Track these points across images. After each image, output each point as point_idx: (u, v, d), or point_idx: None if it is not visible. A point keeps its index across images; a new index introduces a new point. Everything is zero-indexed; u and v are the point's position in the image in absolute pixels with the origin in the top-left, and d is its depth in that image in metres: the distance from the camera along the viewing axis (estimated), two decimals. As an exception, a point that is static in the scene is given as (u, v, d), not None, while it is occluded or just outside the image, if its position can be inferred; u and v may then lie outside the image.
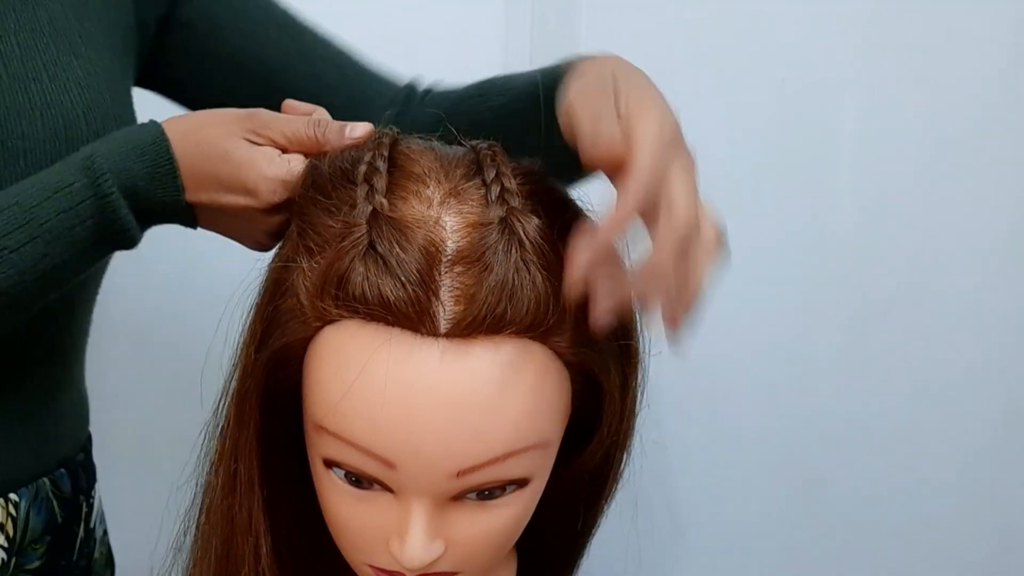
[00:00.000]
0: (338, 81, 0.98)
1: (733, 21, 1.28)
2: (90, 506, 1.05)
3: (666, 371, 0.82)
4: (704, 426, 0.90)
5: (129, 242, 0.82)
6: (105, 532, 1.10)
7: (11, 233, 0.79)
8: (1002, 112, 1.28)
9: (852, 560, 1.41)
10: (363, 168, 0.74)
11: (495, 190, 0.73)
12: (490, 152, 0.76)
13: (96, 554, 1.07)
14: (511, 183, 0.73)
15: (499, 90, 0.90)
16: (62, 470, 1.00)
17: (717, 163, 1.34)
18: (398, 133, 0.80)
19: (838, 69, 1.29)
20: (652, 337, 0.81)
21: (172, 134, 0.80)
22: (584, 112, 0.73)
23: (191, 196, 0.80)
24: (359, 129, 0.80)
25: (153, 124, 0.82)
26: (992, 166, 1.31)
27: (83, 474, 1.03)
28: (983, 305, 1.35)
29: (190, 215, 0.82)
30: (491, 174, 0.74)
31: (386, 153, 0.75)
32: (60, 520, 0.99)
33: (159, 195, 0.80)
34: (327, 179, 0.76)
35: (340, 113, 0.84)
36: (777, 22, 1.28)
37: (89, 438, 1.07)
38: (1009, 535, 1.39)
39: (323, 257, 0.72)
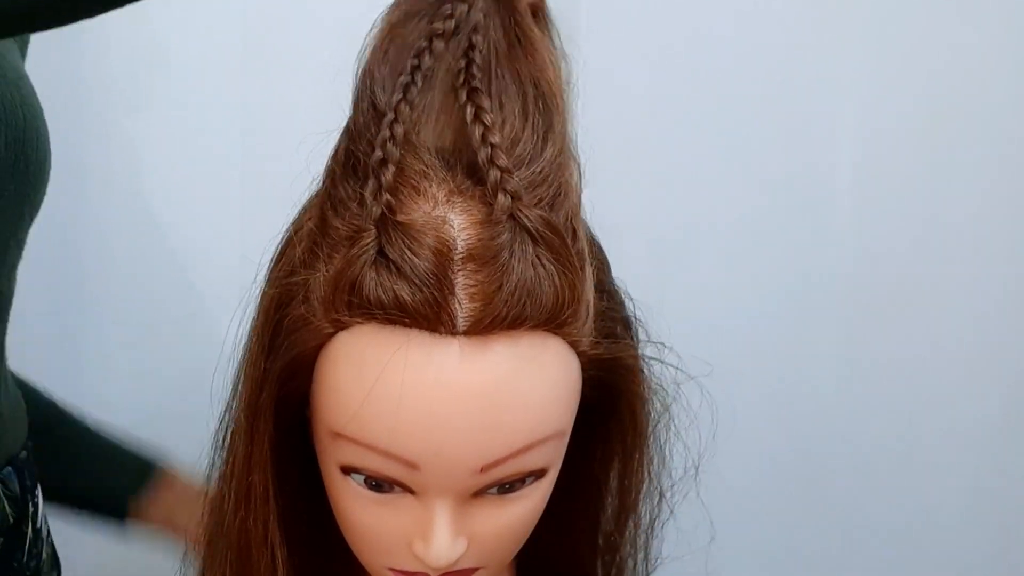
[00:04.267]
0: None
1: (733, 20, 1.29)
2: (35, 505, 1.05)
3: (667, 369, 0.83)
4: (705, 423, 0.90)
5: None
6: (48, 532, 1.10)
7: None
8: (1002, 111, 1.30)
9: (851, 560, 1.42)
10: (377, 155, 0.71)
11: (493, 178, 0.71)
12: (480, 134, 0.72)
13: (44, 554, 1.07)
14: (504, 161, 0.71)
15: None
16: (9, 468, 1.00)
17: (716, 162, 1.36)
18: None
19: (838, 69, 1.30)
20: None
21: None
22: None
23: None
24: None
25: None
26: (992, 164, 1.32)
27: (27, 472, 1.04)
28: (983, 304, 1.36)
29: None
30: (484, 156, 0.71)
31: (400, 132, 0.72)
32: (12, 520, 1.00)
33: None
34: (339, 172, 0.74)
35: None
36: (777, 21, 1.29)
37: (29, 436, 1.07)
38: (1009, 534, 1.39)
39: (332, 264, 0.71)
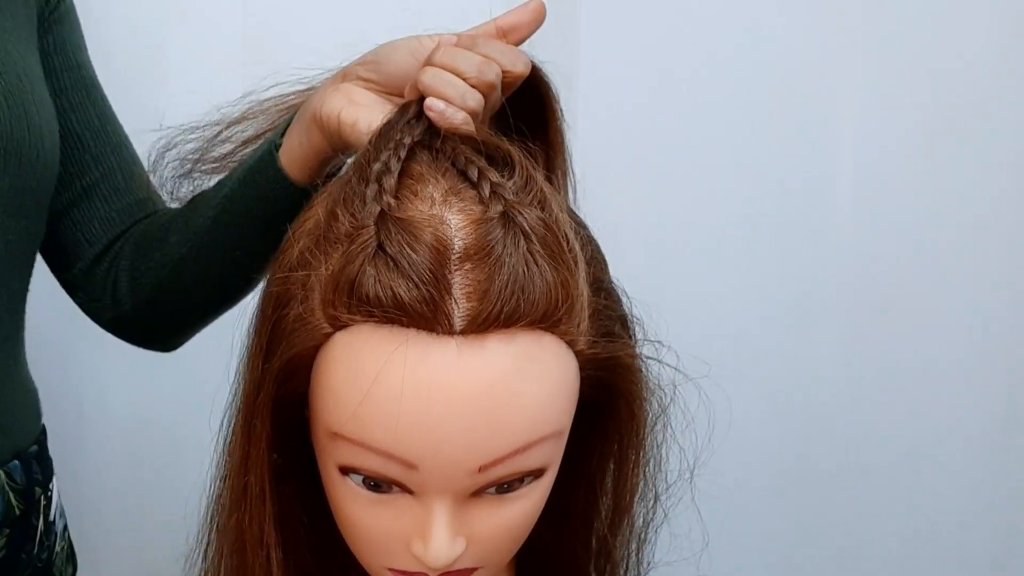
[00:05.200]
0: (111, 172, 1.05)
1: (733, 20, 1.29)
2: (48, 499, 1.06)
3: (664, 370, 0.83)
4: (701, 425, 0.90)
5: None
6: (65, 527, 1.11)
7: None
8: (1002, 111, 1.30)
9: (851, 559, 1.41)
10: (377, 167, 0.73)
11: (485, 187, 0.73)
12: (464, 156, 0.75)
13: (57, 547, 1.08)
14: (497, 177, 0.73)
15: (205, 204, 0.97)
16: (16, 462, 1.00)
17: (715, 163, 1.36)
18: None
19: (838, 69, 1.30)
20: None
21: None
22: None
23: None
24: None
25: None
26: (992, 164, 1.32)
27: (38, 466, 1.04)
28: (983, 303, 1.36)
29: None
30: (474, 174, 0.74)
31: (403, 154, 0.74)
32: (18, 512, 1.00)
33: None
34: (343, 181, 0.75)
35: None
36: (777, 21, 1.29)
37: (43, 431, 1.07)
38: (1009, 533, 1.39)
39: (331, 261, 0.71)
